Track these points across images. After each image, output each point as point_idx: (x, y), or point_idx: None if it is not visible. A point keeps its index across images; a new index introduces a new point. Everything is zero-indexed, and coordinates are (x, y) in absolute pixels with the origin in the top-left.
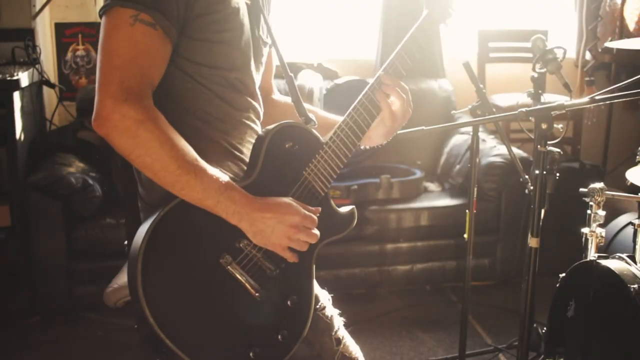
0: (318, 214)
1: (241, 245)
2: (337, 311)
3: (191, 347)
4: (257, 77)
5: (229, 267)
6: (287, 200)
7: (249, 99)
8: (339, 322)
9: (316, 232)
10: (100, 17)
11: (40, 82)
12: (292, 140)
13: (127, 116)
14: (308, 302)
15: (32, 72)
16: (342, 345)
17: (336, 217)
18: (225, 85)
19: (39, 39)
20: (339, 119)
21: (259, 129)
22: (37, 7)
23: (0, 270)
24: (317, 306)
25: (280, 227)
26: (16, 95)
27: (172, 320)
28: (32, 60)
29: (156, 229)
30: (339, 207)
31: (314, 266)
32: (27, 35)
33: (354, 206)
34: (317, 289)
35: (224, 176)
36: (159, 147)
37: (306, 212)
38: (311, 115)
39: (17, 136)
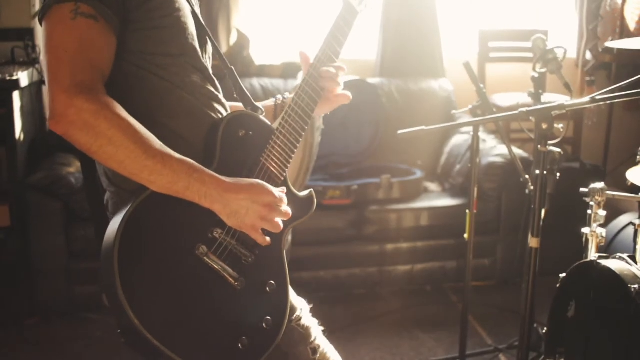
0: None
1: (215, 234)
2: (315, 321)
3: (178, 344)
4: (209, 64)
5: (205, 258)
6: (258, 181)
7: (210, 88)
8: (316, 332)
9: (288, 209)
10: (40, 21)
11: (40, 82)
12: (244, 128)
13: (83, 109)
14: (284, 285)
15: (32, 72)
16: (318, 354)
17: (297, 202)
18: (181, 74)
19: (38, 39)
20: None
21: None
22: (37, 7)
23: (0, 270)
24: (293, 317)
25: (254, 207)
26: (16, 95)
27: (156, 318)
28: (31, 60)
29: (127, 227)
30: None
31: (284, 252)
32: (27, 35)
33: (311, 189)
34: (294, 298)
35: (192, 161)
36: (121, 134)
37: (279, 192)
38: (258, 104)
39: (17, 136)
